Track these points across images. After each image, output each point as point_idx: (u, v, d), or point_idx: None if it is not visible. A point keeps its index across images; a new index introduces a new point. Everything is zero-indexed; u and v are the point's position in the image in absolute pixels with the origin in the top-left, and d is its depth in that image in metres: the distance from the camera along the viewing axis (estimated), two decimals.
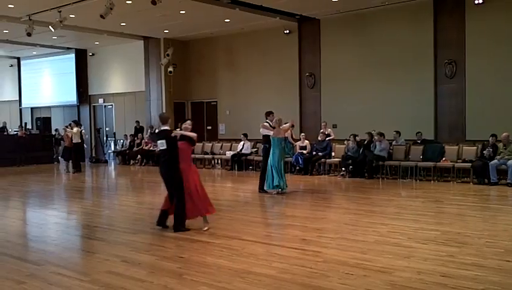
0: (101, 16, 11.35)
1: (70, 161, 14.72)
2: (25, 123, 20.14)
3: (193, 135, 6.51)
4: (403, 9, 12.65)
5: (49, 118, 20.58)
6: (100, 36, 16.33)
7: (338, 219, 7.24)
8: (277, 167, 9.27)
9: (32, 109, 21.73)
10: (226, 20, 14.24)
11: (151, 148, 16.09)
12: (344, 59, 13.82)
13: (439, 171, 11.13)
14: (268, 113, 9.70)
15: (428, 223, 6.69)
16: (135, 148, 16.78)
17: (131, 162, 16.86)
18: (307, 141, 13.11)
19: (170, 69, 16.53)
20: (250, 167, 14.08)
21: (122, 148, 17.60)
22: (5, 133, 18.78)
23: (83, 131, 15.56)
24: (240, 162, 14.17)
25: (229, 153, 14.56)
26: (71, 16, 12.98)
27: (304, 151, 12.89)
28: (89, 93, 19.74)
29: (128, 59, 18.22)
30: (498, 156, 10.14)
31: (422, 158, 11.31)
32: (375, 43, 13.22)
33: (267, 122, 9.58)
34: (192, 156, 7.27)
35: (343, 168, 12.13)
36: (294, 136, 13.07)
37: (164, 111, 16.19)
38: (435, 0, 12.26)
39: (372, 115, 13.05)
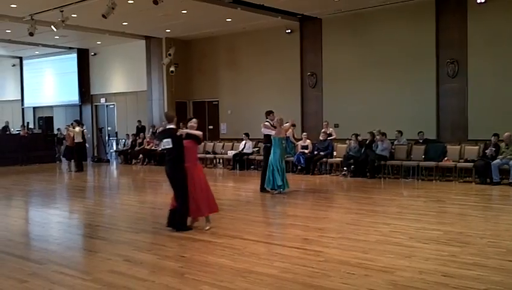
0: (103, 16, 11.37)
1: (72, 160, 14.77)
2: (27, 123, 20.19)
3: (199, 133, 6.50)
4: (405, 9, 12.63)
5: (51, 118, 20.63)
6: (102, 36, 16.35)
7: (340, 218, 7.24)
8: (278, 167, 9.27)
9: (34, 108, 21.77)
10: (227, 20, 14.24)
11: (152, 147, 16.12)
12: (346, 59, 13.81)
13: (441, 171, 11.12)
14: (269, 113, 9.70)
15: (430, 222, 6.68)
16: (137, 148, 16.81)
17: (133, 161, 16.89)
18: (308, 141, 13.11)
19: (172, 68, 16.54)
20: (252, 167, 14.09)
21: (124, 148, 17.63)
22: (8, 132, 18.85)
23: (85, 130, 15.59)
24: (241, 162, 14.18)
25: (230, 153, 14.56)
26: (73, 15, 13.00)
27: (306, 151, 12.89)
28: (91, 93, 19.76)
29: (130, 59, 18.24)
30: (500, 156, 10.12)
31: (424, 158, 11.29)
32: (377, 43, 13.20)
33: (267, 121, 9.58)
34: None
35: (344, 168, 12.13)
36: (295, 136, 13.10)
37: (167, 110, 16.19)
38: None
39: (374, 114, 13.03)
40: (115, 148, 18.96)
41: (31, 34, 13.43)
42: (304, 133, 13.45)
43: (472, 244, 5.43)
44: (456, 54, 12.04)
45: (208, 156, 15.33)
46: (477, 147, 10.94)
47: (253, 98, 15.62)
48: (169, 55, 16.41)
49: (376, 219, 6.95)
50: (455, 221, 6.79)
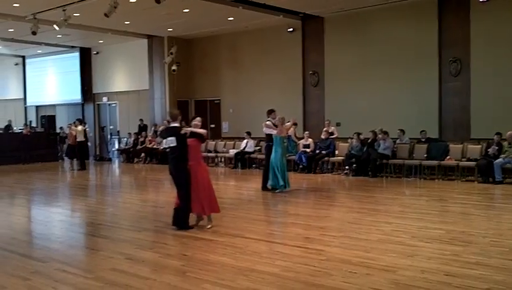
0: (105, 15, 11.38)
1: (75, 159, 14.80)
2: (30, 121, 20.25)
3: (203, 131, 6.50)
4: (408, 7, 12.60)
5: (54, 116, 20.66)
6: (104, 35, 16.37)
7: (341, 217, 7.23)
8: (279, 166, 9.26)
9: (37, 107, 21.83)
10: (229, 19, 14.24)
11: (154, 146, 16.15)
12: (348, 57, 13.78)
13: (444, 170, 11.09)
14: (270, 112, 9.68)
15: (433, 221, 6.66)
16: (139, 147, 16.83)
17: (135, 160, 16.92)
18: (310, 139, 13.09)
19: (174, 67, 16.55)
20: (254, 165, 14.09)
21: (126, 147, 17.66)
22: (10, 131, 18.90)
23: (87, 129, 15.62)
24: (243, 160, 14.18)
25: (232, 151, 14.57)
26: (76, 14, 13.02)
27: (308, 150, 12.88)
28: (93, 92, 19.79)
29: (132, 57, 18.26)
30: (503, 155, 10.09)
31: (426, 157, 11.27)
32: (380, 41, 13.17)
33: (269, 120, 9.57)
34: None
35: (346, 167, 12.11)
36: (297, 135, 13.10)
37: (169, 109, 16.20)
38: None
39: (376, 113, 13.01)
40: (117, 146, 19.00)
41: (34, 33, 13.46)
42: (306, 132, 13.44)
43: (474, 244, 5.42)
44: (459, 53, 12.00)
45: (209, 154, 15.34)
46: (479, 146, 10.91)
47: (255, 96, 15.61)
48: (171, 54, 16.42)
49: (378, 217, 6.94)
50: (457, 220, 6.77)
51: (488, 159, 10.22)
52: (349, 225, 6.51)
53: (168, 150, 6.46)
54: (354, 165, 11.89)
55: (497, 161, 10.03)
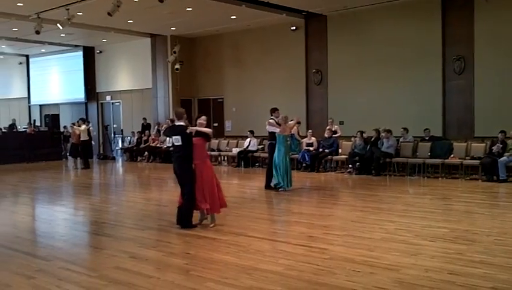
0: (109, 14, 11.40)
1: (79, 158, 14.85)
2: (34, 120, 20.30)
3: (208, 130, 6.50)
4: (411, 5, 12.55)
5: (58, 115, 20.74)
6: (107, 34, 16.40)
7: (345, 216, 7.22)
8: (281, 166, 9.25)
9: (40, 106, 21.90)
10: (232, 17, 14.23)
11: (158, 145, 16.17)
12: (351, 56, 13.74)
13: (447, 168, 11.06)
14: (274, 110, 9.68)
15: (436, 220, 6.65)
16: (142, 145, 16.86)
17: (139, 158, 16.95)
18: (313, 138, 13.08)
19: (177, 66, 16.56)
20: (257, 164, 14.09)
21: (130, 145, 17.70)
22: (14, 130, 18.98)
23: (91, 128, 15.66)
24: (246, 159, 14.18)
25: (235, 150, 14.57)
26: (79, 13, 13.04)
27: (311, 148, 12.87)
28: (97, 91, 19.83)
29: (136, 56, 18.28)
30: (507, 153, 10.05)
31: (430, 155, 11.24)
32: (383, 40, 13.12)
33: (272, 119, 9.57)
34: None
35: (350, 165, 12.09)
36: (300, 133, 13.07)
37: (172, 107, 16.22)
38: None
39: (379, 111, 12.98)
40: (120, 145, 19.05)
41: (38, 32, 13.50)
42: (309, 131, 13.43)
43: (478, 242, 5.40)
44: (463, 51, 11.95)
45: (212, 153, 15.34)
46: (483, 144, 10.86)
47: (258, 95, 15.60)
48: (174, 52, 16.43)
49: (381, 216, 6.93)
50: (461, 219, 6.75)
51: (492, 157, 10.19)
52: (353, 223, 6.50)
53: (171, 148, 6.45)
54: (358, 164, 11.87)
55: (502, 159, 9.99)
